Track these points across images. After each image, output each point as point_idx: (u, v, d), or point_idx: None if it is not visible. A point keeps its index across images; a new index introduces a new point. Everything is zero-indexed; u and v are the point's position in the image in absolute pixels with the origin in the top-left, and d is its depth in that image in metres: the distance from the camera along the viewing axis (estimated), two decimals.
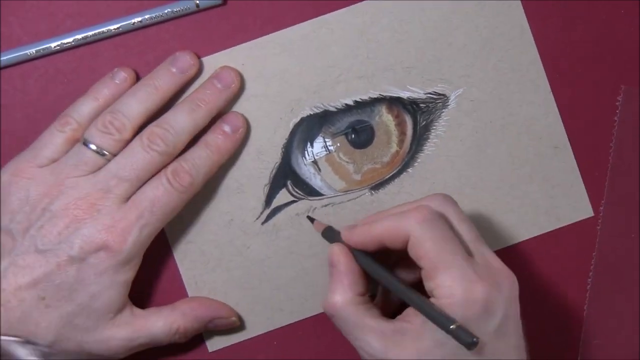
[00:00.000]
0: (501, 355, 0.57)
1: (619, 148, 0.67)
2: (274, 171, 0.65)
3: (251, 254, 0.66)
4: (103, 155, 0.61)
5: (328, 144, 0.66)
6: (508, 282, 0.58)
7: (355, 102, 0.65)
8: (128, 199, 0.61)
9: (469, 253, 0.58)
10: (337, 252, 0.60)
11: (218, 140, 0.63)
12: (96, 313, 0.61)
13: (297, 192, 0.66)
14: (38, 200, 0.60)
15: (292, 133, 0.65)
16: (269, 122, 0.65)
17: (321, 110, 0.65)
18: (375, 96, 0.65)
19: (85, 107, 0.62)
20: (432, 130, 0.66)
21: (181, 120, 0.62)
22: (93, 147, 0.61)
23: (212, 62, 0.65)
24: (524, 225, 0.67)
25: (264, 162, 0.65)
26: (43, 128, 0.63)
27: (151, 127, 0.61)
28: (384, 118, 0.66)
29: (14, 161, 0.62)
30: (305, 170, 0.65)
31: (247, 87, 0.65)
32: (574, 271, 0.67)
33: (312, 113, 0.65)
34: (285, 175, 0.65)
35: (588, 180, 0.67)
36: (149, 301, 0.66)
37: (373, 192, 0.66)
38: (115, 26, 0.64)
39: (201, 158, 0.62)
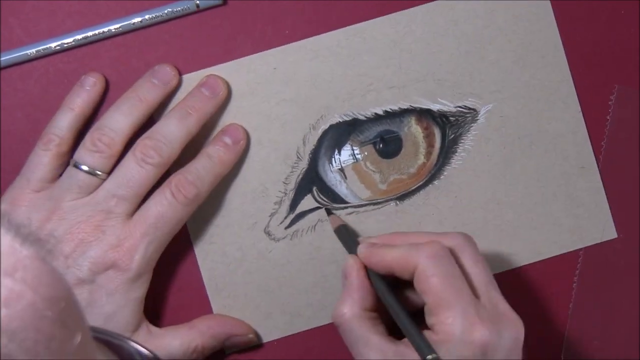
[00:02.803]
0: None
1: (611, 147, 0.66)
2: (300, 176, 0.65)
3: (273, 258, 0.66)
4: (96, 175, 0.60)
5: (356, 152, 0.66)
6: (513, 328, 0.57)
7: (385, 112, 0.65)
8: (131, 214, 0.61)
9: (476, 295, 0.57)
10: (352, 264, 0.60)
11: (220, 152, 0.63)
12: None
13: (322, 199, 0.66)
14: (41, 227, 0.60)
15: (321, 139, 0.65)
16: (298, 127, 0.65)
17: (351, 118, 0.65)
18: (406, 107, 0.65)
19: (63, 120, 0.62)
20: (460, 144, 0.66)
21: (173, 129, 0.61)
22: (85, 167, 0.60)
23: (245, 64, 0.65)
24: (546, 243, 0.66)
25: (290, 166, 0.65)
26: (43, 128, 0.63)
27: (143, 140, 0.61)
28: (413, 129, 0.66)
29: (10, 190, 0.62)
30: (332, 177, 0.66)
31: (278, 91, 0.65)
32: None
33: (341, 120, 0.65)
34: (312, 181, 0.66)
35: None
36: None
37: (398, 202, 0.66)
38: (115, 26, 0.64)
39: (205, 169, 0.62)
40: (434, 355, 0.55)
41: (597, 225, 0.67)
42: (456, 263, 0.58)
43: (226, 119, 0.65)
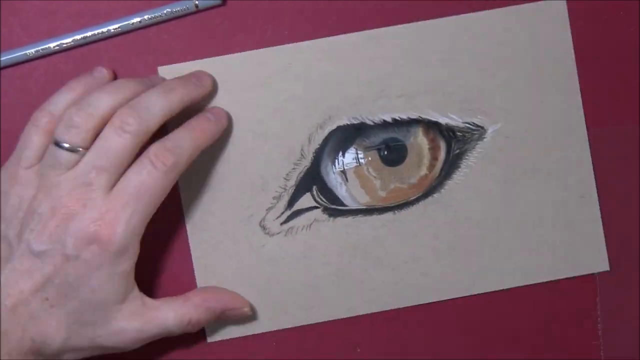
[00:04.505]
0: None
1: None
2: (301, 174, 0.65)
3: (265, 252, 0.66)
4: (76, 151, 0.60)
5: (359, 156, 0.66)
6: None
7: (394, 119, 0.65)
8: (112, 187, 0.60)
9: None
10: None
11: (202, 124, 0.62)
12: (102, 307, 0.60)
13: (320, 199, 0.66)
14: (28, 204, 0.60)
15: (326, 140, 0.65)
16: (305, 125, 0.65)
17: (358, 122, 0.65)
18: (414, 117, 0.65)
19: (60, 100, 0.62)
20: (464, 160, 0.66)
21: (154, 100, 0.60)
22: (65, 145, 0.60)
23: (259, 57, 0.65)
24: (539, 268, 0.66)
25: (293, 163, 0.65)
26: None
27: (121, 110, 0.60)
28: (419, 140, 0.66)
29: (4, 167, 0.62)
30: (333, 178, 0.65)
31: (289, 87, 0.65)
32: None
33: (348, 123, 0.65)
34: (313, 180, 0.65)
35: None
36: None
37: (396, 211, 0.66)
38: (115, 26, 0.64)
39: (184, 138, 0.61)
40: None
41: (591, 256, 0.67)
42: None
43: (234, 109, 0.65)
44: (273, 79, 0.65)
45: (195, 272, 0.66)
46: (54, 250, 0.59)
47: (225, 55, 0.65)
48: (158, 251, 0.65)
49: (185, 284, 0.66)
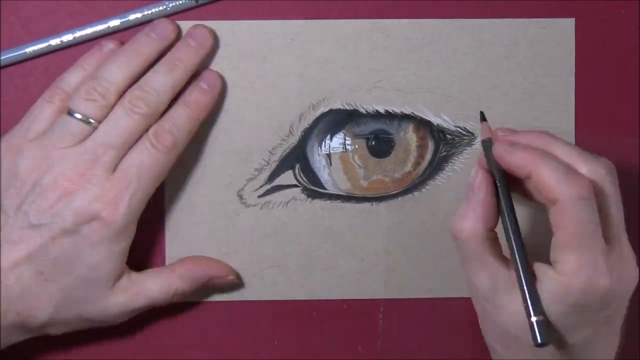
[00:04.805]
0: (603, 339, 0.57)
1: None
2: (287, 151, 0.65)
3: (238, 222, 0.66)
4: (89, 123, 0.60)
5: (347, 142, 0.66)
6: (632, 274, 0.57)
7: (387, 111, 0.65)
8: (115, 164, 0.60)
9: (608, 237, 0.57)
10: (482, 179, 0.58)
11: (196, 96, 0.63)
12: (95, 284, 0.61)
13: (301, 178, 0.66)
14: (27, 174, 0.60)
15: (317, 120, 0.65)
16: (298, 102, 0.65)
17: (351, 108, 0.65)
18: (407, 112, 0.65)
19: (73, 77, 0.62)
20: (450, 163, 0.66)
21: (161, 81, 0.61)
22: (78, 115, 0.60)
23: (264, 27, 0.65)
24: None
25: (280, 138, 0.65)
26: None
27: (132, 91, 0.61)
28: (408, 136, 0.66)
29: (6, 137, 0.62)
30: (317, 160, 0.65)
31: (289, 62, 0.65)
32: None
33: (341, 108, 0.65)
34: (297, 158, 0.65)
35: None
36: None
37: (374, 202, 0.66)
38: (115, 23, 0.64)
39: (181, 117, 0.62)
40: (541, 318, 0.54)
41: None
42: (596, 202, 0.56)
43: (230, 76, 0.65)
44: (273, 52, 0.65)
45: (165, 231, 0.66)
46: (53, 223, 0.59)
47: (230, 21, 0.65)
48: None
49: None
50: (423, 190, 0.66)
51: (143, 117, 0.61)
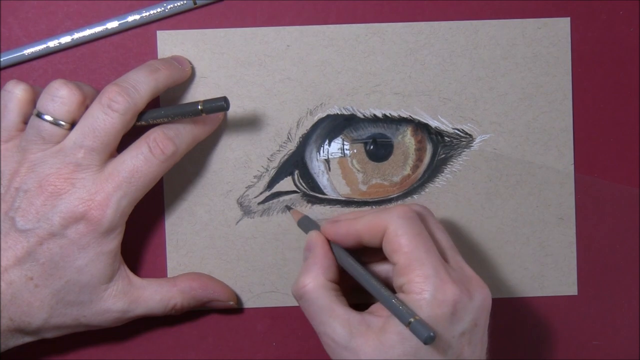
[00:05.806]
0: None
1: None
2: (285, 157, 0.65)
3: (238, 229, 0.66)
4: (59, 125, 0.59)
5: (345, 147, 0.66)
6: (481, 292, 0.58)
7: (384, 115, 0.65)
8: (102, 165, 0.59)
9: (444, 258, 0.58)
10: (316, 237, 0.61)
11: (203, 118, 0.62)
12: (87, 287, 0.60)
13: (300, 184, 0.66)
14: (10, 179, 0.59)
15: (315, 126, 0.65)
16: (296, 108, 0.65)
17: (349, 113, 0.65)
18: (405, 116, 0.65)
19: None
20: (449, 166, 0.66)
21: (142, 78, 0.60)
22: (47, 117, 0.59)
23: (259, 35, 0.65)
24: (507, 283, 0.67)
25: (279, 145, 0.65)
26: None
27: (109, 87, 0.59)
28: (407, 140, 0.66)
29: None
30: (316, 165, 0.65)
31: (285, 68, 0.65)
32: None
33: (339, 113, 0.65)
34: (295, 164, 0.65)
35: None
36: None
37: (374, 207, 0.66)
38: (113, 25, 0.64)
39: (185, 128, 0.61)
40: (416, 317, 0.55)
41: (561, 279, 0.67)
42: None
43: (229, 85, 0.65)
44: (270, 59, 0.65)
45: (166, 238, 0.66)
46: (39, 228, 0.59)
47: (226, 29, 0.65)
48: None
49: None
50: (422, 193, 0.66)
51: (121, 115, 0.59)
